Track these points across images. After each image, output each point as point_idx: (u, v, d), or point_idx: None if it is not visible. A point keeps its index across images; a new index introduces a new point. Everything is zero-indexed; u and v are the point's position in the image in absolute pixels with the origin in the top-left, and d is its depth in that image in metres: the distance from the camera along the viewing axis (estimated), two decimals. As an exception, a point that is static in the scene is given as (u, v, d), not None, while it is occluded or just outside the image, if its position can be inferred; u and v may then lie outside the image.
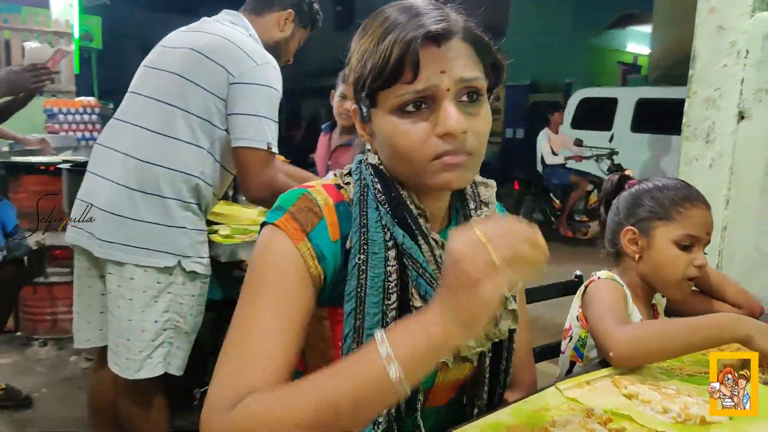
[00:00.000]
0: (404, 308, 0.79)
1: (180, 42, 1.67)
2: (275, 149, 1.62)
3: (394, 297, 0.78)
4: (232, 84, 1.59)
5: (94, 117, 4.98)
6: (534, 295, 1.40)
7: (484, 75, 0.78)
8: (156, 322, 1.58)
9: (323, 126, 2.65)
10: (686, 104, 1.67)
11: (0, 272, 2.23)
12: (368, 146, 0.86)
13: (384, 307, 0.78)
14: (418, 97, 0.74)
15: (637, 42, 12.09)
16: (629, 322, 1.11)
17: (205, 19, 1.77)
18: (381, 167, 0.83)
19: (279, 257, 0.76)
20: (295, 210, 0.78)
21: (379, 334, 0.63)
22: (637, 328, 1.04)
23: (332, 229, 0.79)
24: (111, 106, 5.09)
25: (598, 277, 1.23)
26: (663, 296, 1.34)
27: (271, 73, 1.63)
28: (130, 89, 1.70)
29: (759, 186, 1.55)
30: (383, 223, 0.80)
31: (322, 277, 0.77)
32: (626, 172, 1.38)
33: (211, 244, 1.74)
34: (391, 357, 0.60)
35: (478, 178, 0.91)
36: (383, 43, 0.74)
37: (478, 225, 0.61)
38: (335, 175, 0.87)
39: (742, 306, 1.30)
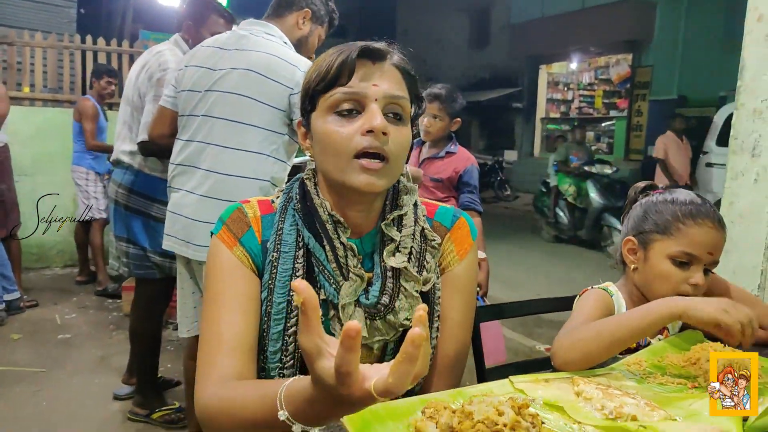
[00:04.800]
0: None
1: (229, 63, 1.83)
2: None
3: None
4: (291, 95, 1.78)
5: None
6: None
7: (408, 100, 0.92)
8: None
9: (414, 141, 2.74)
10: (734, 117, 1.60)
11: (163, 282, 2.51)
12: (310, 165, 0.99)
13: (289, 297, 0.91)
14: (348, 98, 0.87)
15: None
16: None
17: (238, 32, 1.91)
18: (306, 180, 0.97)
19: (222, 263, 0.93)
20: (229, 221, 0.95)
21: (281, 394, 0.69)
22: (576, 332, 1.03)
23: (258, 234, 0.95)
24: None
25: (592, 287, 1.22)
26: None
27: None
28: (191, 113, 1.88)
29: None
30: (297, 227, 0.94)
31: (256, 270, 0.94)
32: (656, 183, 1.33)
33: None
34: (282, 401, 0.68)
35: (404, 184, 1.00)
36: (330, 57, 0.90)
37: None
38: (275, 191, 1.03)
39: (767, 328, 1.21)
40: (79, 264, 4.92)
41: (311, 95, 0.91)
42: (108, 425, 2.59)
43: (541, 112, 14.87)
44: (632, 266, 1.22)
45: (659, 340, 1.17)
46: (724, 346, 1.04)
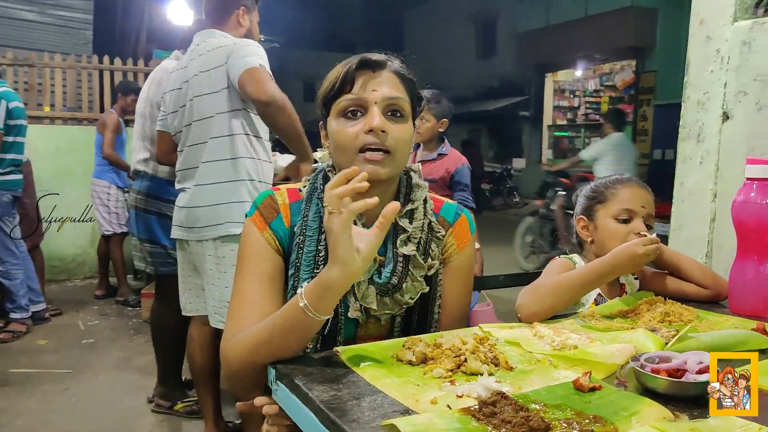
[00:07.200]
0: None
1: (186, 76, 2.13)
2: (268, 68, 1.99)
3: (322, 267, 1.05)
4: (226, 63, 2.01)
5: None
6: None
7: (407, 99, 1.07)
8: None
9: None
10: (682, 108, 1.77)
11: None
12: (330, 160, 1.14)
13: (313, 274, 1.06)
14: (353, 104, 1.04)
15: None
16: None
17: (190, 48, 2.20)
18: (328, 172, 1.12)
19: (253, 242, 1.09)
20: (262, 207, 1.11)
21: (300, 289, 0.90)
22: (537, 287, 1.21)
23: (286, 220, 1.11)
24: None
25: (559, 256, 1.38)
26: (635, 278, 1.44)
27: (247, 43, 2.05)
28: (177, 128, 2.20)
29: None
30: (320, 214, 1.07)
31: (281, 252, 1.10)
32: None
33: None
34: (302, 295, 0.88)
35: (416, 181, 1.15)
36: (337, 70, 1.07)
37: None
38: (303, 180, 1.18)
39: (708, 287, 1.39)
40: (99, 277, 5.02)
41: (325, 103, 1.08)
42: (133, 417, 2.77)
43: (548, 119, 15.00)
44: (588, 239, 1.43)
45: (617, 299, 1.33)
46: (665, 300, 1.23)
